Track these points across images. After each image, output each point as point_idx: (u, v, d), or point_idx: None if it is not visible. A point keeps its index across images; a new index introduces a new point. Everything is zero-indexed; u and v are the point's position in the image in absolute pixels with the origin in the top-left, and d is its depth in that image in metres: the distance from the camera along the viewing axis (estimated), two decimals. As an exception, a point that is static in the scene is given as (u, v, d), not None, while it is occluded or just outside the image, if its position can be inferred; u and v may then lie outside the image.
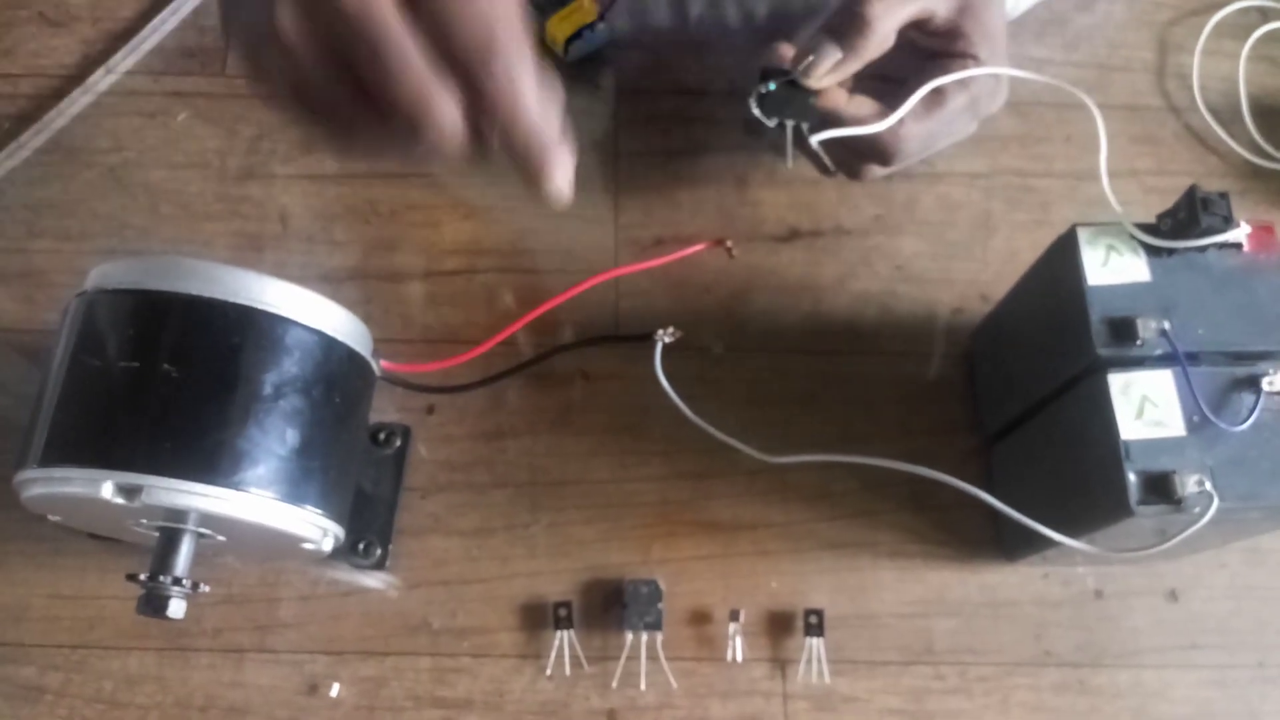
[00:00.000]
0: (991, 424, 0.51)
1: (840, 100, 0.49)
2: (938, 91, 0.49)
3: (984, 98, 0.50)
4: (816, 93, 0.48)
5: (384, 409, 0.52)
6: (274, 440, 0.40)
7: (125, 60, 0.59)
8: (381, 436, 0.50)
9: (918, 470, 0.44)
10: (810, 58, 0.47)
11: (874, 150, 0.50)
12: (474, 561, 0.49)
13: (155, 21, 0.59)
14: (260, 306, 0.40)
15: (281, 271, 0.54)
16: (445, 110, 0.33)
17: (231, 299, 0.40)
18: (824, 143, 0.48)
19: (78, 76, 0.59)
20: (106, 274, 0.41)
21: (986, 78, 0.49)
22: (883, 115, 0.48)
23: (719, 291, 0.56)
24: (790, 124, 0.48)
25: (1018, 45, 0.62)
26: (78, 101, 0.58)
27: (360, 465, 0.47)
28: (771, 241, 0.57)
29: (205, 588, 0.42)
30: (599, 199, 0.57)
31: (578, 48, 0.59)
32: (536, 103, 0.34)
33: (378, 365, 0.46)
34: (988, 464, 0.52)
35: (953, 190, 0.58)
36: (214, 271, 0.40)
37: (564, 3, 0.59)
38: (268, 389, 0.40)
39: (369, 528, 0.48)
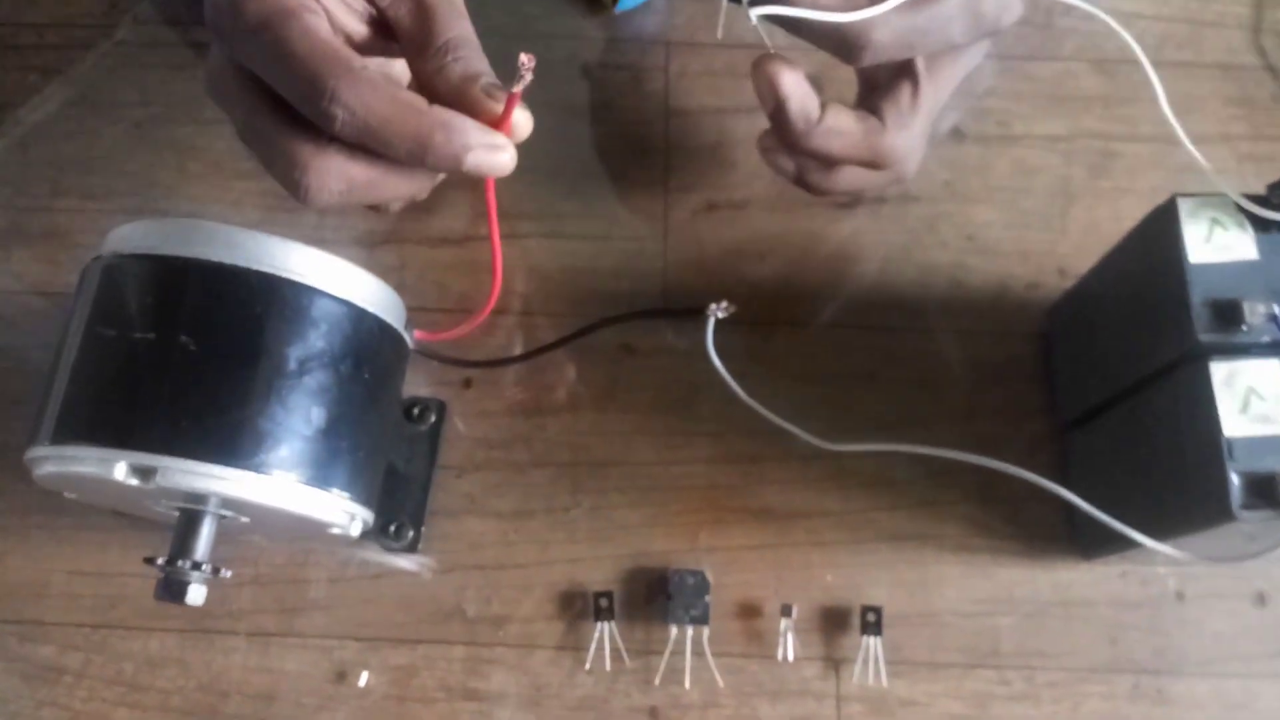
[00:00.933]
0: (1069, 410, 0.48)
1: None
2: None
3: (984, 8, 0.40)
4: None
5: (418, 382, 0.49)
6: (298, 419, 0.37)
7: (152, 9, 0.56)
8: (415, 412, 0.48)
9: (990, 464, 0.41)
10: None
11: (835, 43, 0.40)
12: (511, 545, 0.47)
13: (184, -33, 0.56)
14: (285, 275, 0.37)
15: (313, 235, 0.52)
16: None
17: (254, 266, 0.37)
18: (767, 23, 0.39)
19: (105, 26, 0.56)
20: (123, 237, 0.38)
21: None
22: (849, 6, 0.39)
23: (775, 260, 0.52)
24: None
25: (1103, -3, 0.58)
26: (104, 53, 0.56)
27: (392, 442, 0.45)
28: (832, 208, 0.53)
29: (227, 573, 0.40)
30: (648, 159, 0.54)
31: (628, -2, 0.55)
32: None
33: (411, 337, 0.44)
34: (1062, 452, 0.48)
35: (1029, 154, 0.54)
36: (236, 236, 0.37)
37: (613, -51, 0.55)
38: (292, 364, 0.37)
39: (401, 508, 0.46)
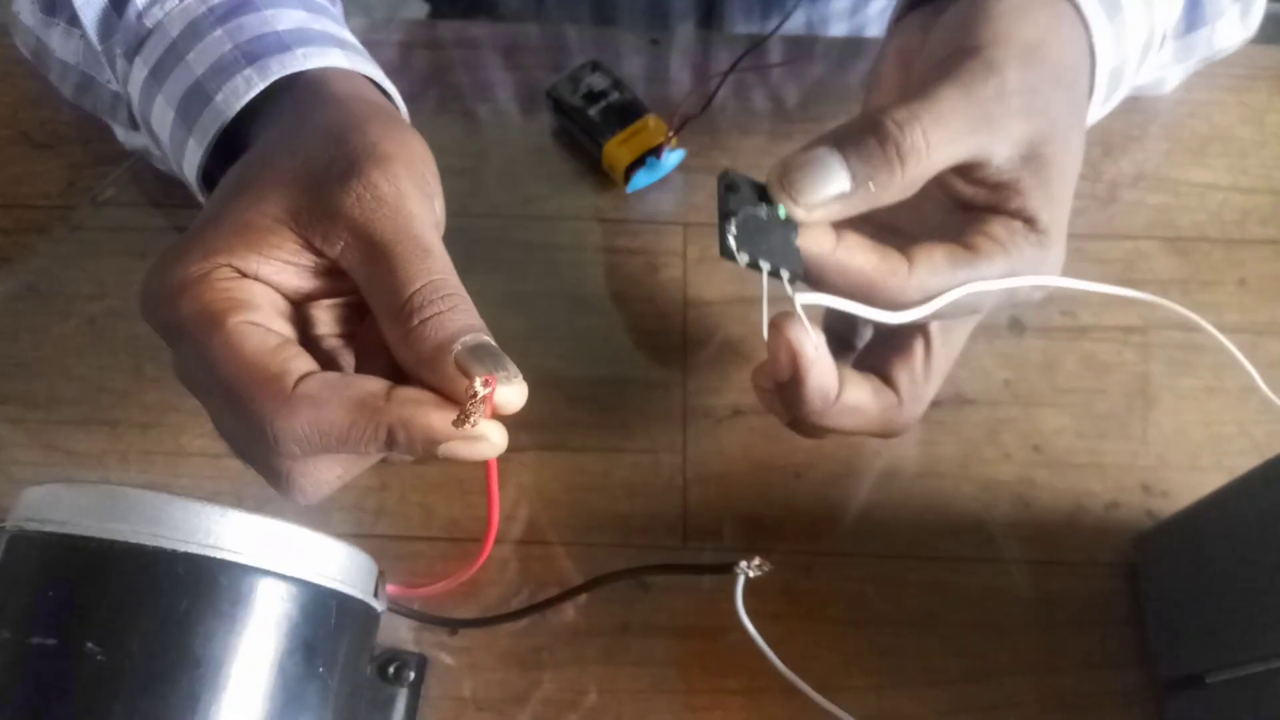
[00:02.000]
0: (1169, 666, 0.40)
1: (825, 243, 0.34)
2: (968, 245, 0.35)
3: (1025, 275, 0.35)
4: (797, 227, 0.34)
5: (396, 628, 0.42)
6: (231, 740, 0.30)
7: (115, 189, 0.51)
8: (391, 671, 0.40)
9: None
10: (801, 175, 0.33)
11: (870, 308, 0.35)
12: (502, 841, 0.39)
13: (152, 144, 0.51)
14: (218, 555, 0.30)
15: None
16: None
17: (181, 546, 0.30)
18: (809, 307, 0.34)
19: (63, 208, 0.51)
20: (30, 505, 0.32)
21: (1037, 246, 0.35)
22: (886, 268, 0.34)
23: (812, 477, 0.45)
24: (766, 267, 0.33)
25: (1172, 166, 0.52)
26: (59, 239, 0.50)
27: (363, 709, 0.37)
28: (876, 414, 0.46)
29: None
30: (664, 357, 0.47)
31: (642, 176, 0.49)
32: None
33: (383, 599, 0.37)
34: (1161, 713, 0.40)
35: (1100, 349, 0.47)
36: (162, 508, 0.30)
37: (625, 122, 0.49)
38: (225, 670, 0.30)
39: (371, 797, 0.38)
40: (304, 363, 0.31)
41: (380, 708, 0.40)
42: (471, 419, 0.30)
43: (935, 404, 0.46)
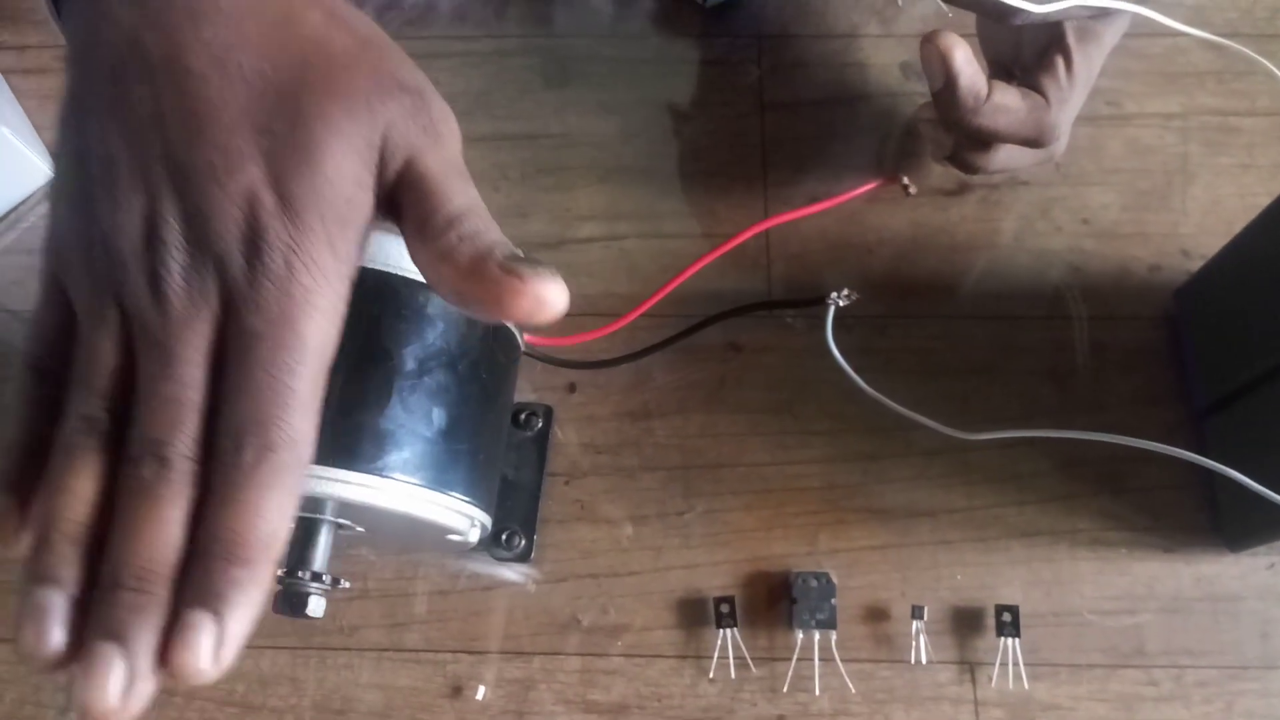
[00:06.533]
0: (1206, 394, 0.45)
1: None
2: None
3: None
4: None
5: (521, 387, 0.48)
6: (419, 421, 0.36)
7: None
8: (522, 418, 0.47)
9: (1130, 442, 0.39)
10: None
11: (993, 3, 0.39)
12: (625, 552, 0.45)
13: None
14: (401, 273, 0.36)
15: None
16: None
17: (369, 264, 0.36)
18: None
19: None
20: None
21: None
22: None
23: (883, 252, 0.50)
24: None
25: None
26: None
27: (502, 449, 0.43)
28: (940, 196, 0.51)
29: (346, 584, 0.38)
30: (745, 155, 0.52)
31: (718, -9, 0.54)
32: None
33: (521, 338, 0.42)
34: (1200, 438, 0.46)
35: (1143, 133, 0.52)
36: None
37: (702, -58, 0.54)
38: (411, 364, 0.36)
39: (512, 516, 0.44)
40: None
41: (515, 450, 0.46)
42: None
43: (991, 185, 0.51)
